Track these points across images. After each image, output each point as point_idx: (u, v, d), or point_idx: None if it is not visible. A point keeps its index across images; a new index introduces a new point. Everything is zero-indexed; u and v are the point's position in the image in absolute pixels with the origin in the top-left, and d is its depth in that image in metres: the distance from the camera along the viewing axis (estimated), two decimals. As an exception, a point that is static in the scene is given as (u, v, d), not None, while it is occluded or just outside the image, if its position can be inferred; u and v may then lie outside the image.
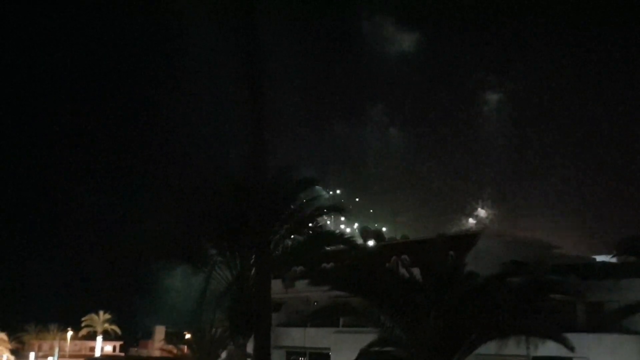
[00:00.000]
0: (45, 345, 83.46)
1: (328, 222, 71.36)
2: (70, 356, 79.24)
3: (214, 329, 42.53)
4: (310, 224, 27.22)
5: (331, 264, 33.93)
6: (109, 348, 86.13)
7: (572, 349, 19.83)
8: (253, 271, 25.05)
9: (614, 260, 30.71)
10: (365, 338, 22.19)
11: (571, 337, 20.31)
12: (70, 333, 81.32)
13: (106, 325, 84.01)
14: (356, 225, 77.14)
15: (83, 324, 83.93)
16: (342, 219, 75.29)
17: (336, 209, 30.05)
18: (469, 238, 35.74)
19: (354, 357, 22.81)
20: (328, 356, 37.35)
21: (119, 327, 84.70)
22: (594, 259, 39.21)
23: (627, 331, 28.21)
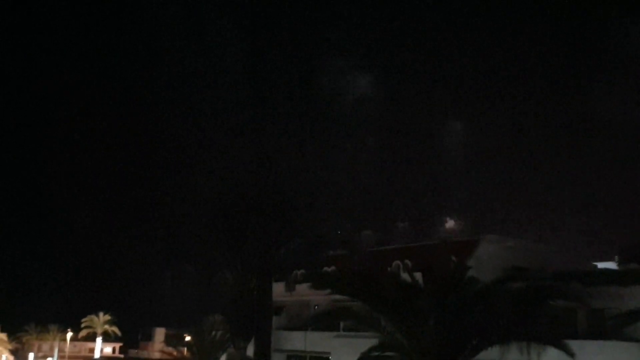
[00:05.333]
0: (45, 346, 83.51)
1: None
2: (70, 357, 79.20)
3: (214, 332, 42.47)
4: (312, 229, 27.32)
5: (332, 268, 33.89)
6: (108, 349, 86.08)
7: (572, 355, 19.76)
8: (254, 274, 25.13)
9: (616, 267, 30.62)
10: (366, 343, 22.12)
11: (572, 344, 20.25)
12: (70, 334, 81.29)
13: (106, 326, 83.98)
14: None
15: (83, 325, 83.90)
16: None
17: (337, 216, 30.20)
18: (470, 244, 35.72)
19: (354, 362, 22.75)
20: (328, 360, 37.29)
21: (119, 328, 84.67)
22: (596, 265, 39.11)
23: (629, 339, 28.12)
